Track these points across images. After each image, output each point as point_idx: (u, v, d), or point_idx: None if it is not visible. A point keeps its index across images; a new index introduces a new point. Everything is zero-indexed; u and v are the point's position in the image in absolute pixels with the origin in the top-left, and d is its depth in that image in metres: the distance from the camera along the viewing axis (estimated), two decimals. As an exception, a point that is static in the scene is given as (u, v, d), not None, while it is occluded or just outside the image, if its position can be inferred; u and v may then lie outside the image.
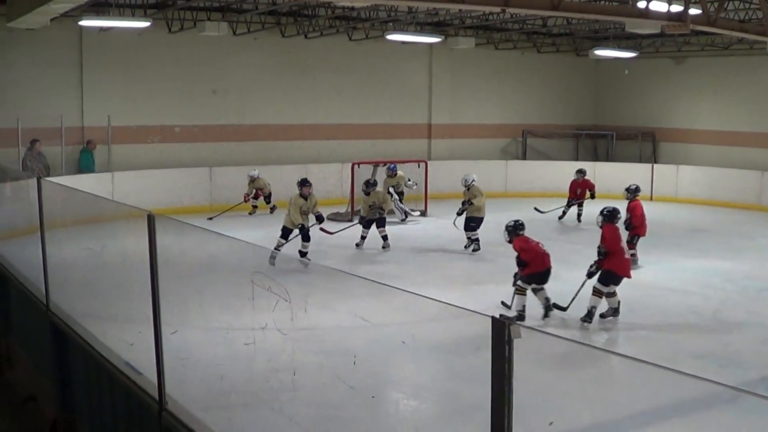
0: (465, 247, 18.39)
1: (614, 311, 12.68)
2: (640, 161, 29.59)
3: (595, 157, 31.66)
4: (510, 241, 13.41)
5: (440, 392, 8.41)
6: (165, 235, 5.96)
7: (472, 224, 18.63)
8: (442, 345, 10.27)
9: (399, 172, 23.03)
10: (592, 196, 22.64)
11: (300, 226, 16.09)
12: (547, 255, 13.05)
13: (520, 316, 12.54)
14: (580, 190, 22.92)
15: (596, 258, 12.89)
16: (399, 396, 9.10)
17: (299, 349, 5.69)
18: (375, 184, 18.86)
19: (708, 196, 26.28)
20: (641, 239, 16.76)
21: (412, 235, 20.36)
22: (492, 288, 14.44)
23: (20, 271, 10.40)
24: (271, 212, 22.76)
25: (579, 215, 22.78)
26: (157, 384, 5.82)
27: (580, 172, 23.31)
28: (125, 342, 7.20)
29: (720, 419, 8.29)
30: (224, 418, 6.61)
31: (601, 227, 13.35)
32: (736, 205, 25.48)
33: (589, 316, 12.40)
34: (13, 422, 9.30)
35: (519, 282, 12.83)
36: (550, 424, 7.47)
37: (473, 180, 19.68)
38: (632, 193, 18.10)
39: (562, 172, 28.30)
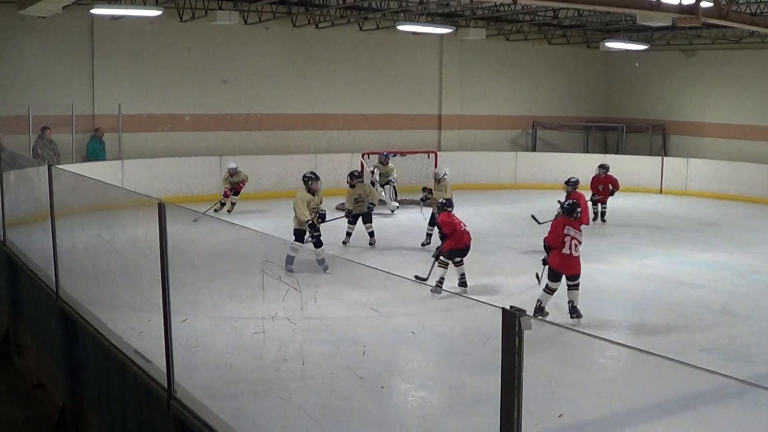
0: (422, 244, 17.60)
1: (571, 310, 12.12)
2: (650, 154, 29.54)
3: (605, 150, 31.60)
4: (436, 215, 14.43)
5: (448, 383, 8.41)
6: (175, 224, 5.97)
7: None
8: (451, 336, 10.28)
9: (390, 164, 22.84)
10: (612, 193, 21.27)
11: (310, 223, 14.83)
12: (467, 233, 13.74)
13: (440, 284, 13.06)
14: (602, 186, 21.39)
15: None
16: (407, 387, 9.10)
17: (309, 339, 5.69)
18: (360, 176, 18.04)
19: (718, 190, 26.22)
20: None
21: (419, 226, 20.32)
22: (501, 279, 14.44)
23: (30, 258, 10.42)
24: (230, 210, 21.28)
25: (603, 214, 21.35)
26: (166, 372, 5.83)
27: (603, 167, 21.70)
28: (135, 330, 7.21)
29: (727, 413, 8.30)
30: (233, 407, 6.62)
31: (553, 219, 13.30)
32: (745, 198, 25.43)
33: (538, 311, 12.06)
34: (22, 409, 9.33)
35: (441, 256, 13.47)
36: (560, 416, 7.48)
37: (445, 174, 18.73)
38: (572, 185, 18.32)
39: (572, 164, 28.32)
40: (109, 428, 7.46)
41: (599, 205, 21.28)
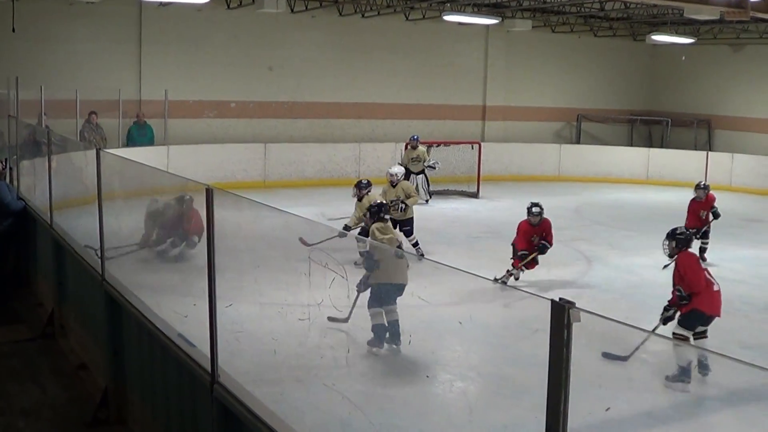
0: (356, 263, 14.12)
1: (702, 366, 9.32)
2: (695, 148, 29.26)
3: (650, 144, 31.39)
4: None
5: (491, 374, 8.41)
6: (222, 209, 6.00)
7: (406, 227, 15.48)
8: (496, 327, 10.27)
9: (420, 147, 22.40)
10: (716, 216, 16.21)
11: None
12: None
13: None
14: (704, 213, 16.15)
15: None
16: (451, 377, 9.10)
17: (354, 327, 5.70)
18: (369, 185, 15.13)
19: (763, 186, 25.95)
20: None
21: (464, 217, 20.32)
22: (544, 272, 14.38)
23: (76, 240, 10.50)
24: None
25: (703, 250, 15.84)
26: (210, 357, 5.86)
27: (703, 188, 16.37)
28: (179, 314, 7.26)
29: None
30: (276, 393, 6.65)
31: (671, 255, 10.26)
32: (791, 195, 25.17)
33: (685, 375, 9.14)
34: (65, 389, 9.41)
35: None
36: (607, 410, 7.46)
37: (403, 175, 16.27)
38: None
39: (616, 157, 28.20)
40: (151, 411, 7.52)
41: (700, 239, 15.82)
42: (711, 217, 16.05)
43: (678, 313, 9.59)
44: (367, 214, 11.76)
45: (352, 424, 6.53)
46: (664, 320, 9.64)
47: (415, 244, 15.38)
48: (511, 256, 13.40)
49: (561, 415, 3.35)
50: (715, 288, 9.65)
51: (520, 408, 7.90)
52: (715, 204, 16.20)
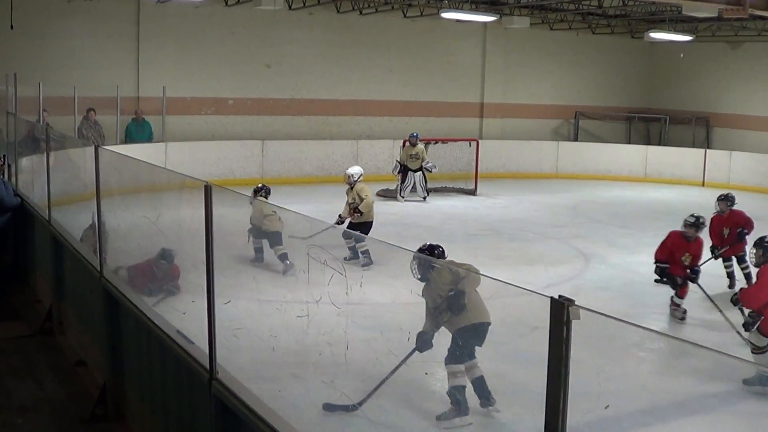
0: (345, 259, 12.59)
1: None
2: (693, 146, 29.26)
3: (648, 141, 31.39)
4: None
5: (489, 372, 8.39)
6: (220, 206, 6.00)
7: (364, 232, 14.25)
8: (495, 324, 10.26)
9: (420, 144, 22.43)
10: (741, 236, 13.52)
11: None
12: None
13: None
14: (728, 230, 13.68)
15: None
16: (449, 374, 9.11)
17: (353, 324, 5.70)
18: (360, 174, 15.10)
19: (761, 183, 25.89)
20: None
21: (461, 214, 20.33)
22: (541, 269, 14.40)
23: (75, 237, 10.51)
24: None
25: (731, 275, 13.95)
26: (208, 353, 5.86)
27: (727, 199, 13.99)
28: (178, 311, 7.26)
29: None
30: (274, 389, 6.66)
31: (757, 265, 9.86)
32: (789, 193, 25.15)
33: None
34: (63, 386, 9.42)
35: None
36: (606, 407, 7.47)
37: (361, 175, 15.27)
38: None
39: (614, 154, 28.21)
40: (149, 407, 7.52)
41: (722, 259, 13.86)
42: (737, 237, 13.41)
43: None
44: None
45: (351, 422, 6.54)
46: (746, 326, 9.42)
47: (364, 252, 13.44)
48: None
49: (560, 413, 3.35)
50: None
51: (518, 405, 7.91)
52: (745, 224, 13.52)
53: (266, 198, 12.93)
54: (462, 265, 8.03)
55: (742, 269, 13.62)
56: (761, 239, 9.83)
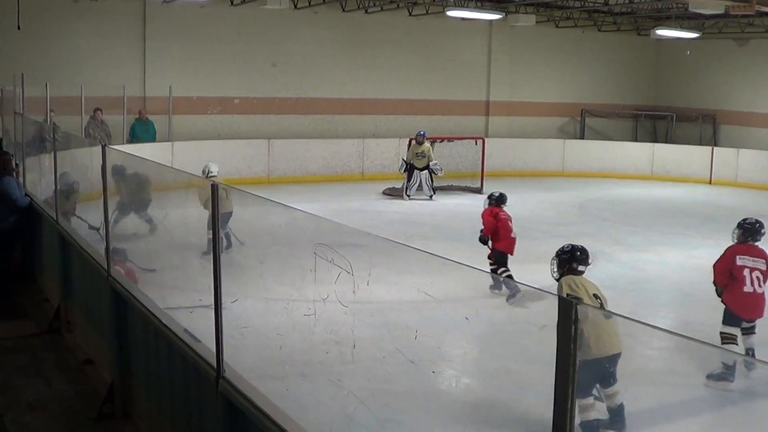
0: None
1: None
2: (700, 144, 29.24)
3: (654, 139, 31.36)
4: None
5: (496, 370, 8.40)
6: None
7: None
8: (503, 323, 10.27)
9: (426, 144, 22.43)
10: None
11: None
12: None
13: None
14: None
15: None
16: (456, 373, 9.11)
17: (360, 322, 5.69)
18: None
19: (769, 181, 25.92)
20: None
21: (467, 213, 20.30)
22: (548, 268, 14.36)
23: (82, 236, 10.53)
24: None
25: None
26: (215, 352, 5.87)
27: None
28: (185, 309, 7.27)
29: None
30: (281, 388, 6.66)
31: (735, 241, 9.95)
32: (797, 190, 25.12)
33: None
34: (71, 384, 9.43)
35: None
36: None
37: (217, 172, 14.96)
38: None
39: (620, 152, 28.19)
40: (157, 405, 7.53)
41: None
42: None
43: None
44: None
45: (357, 420, 6.54)
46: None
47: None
48: None
49: (568, 412, 3.35)
50: (746, 289, 9.28)
51: (526, 404, 7.91)
52: None
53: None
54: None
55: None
56: (743, 220, 9.97)
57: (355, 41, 26.42)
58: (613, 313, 3.23)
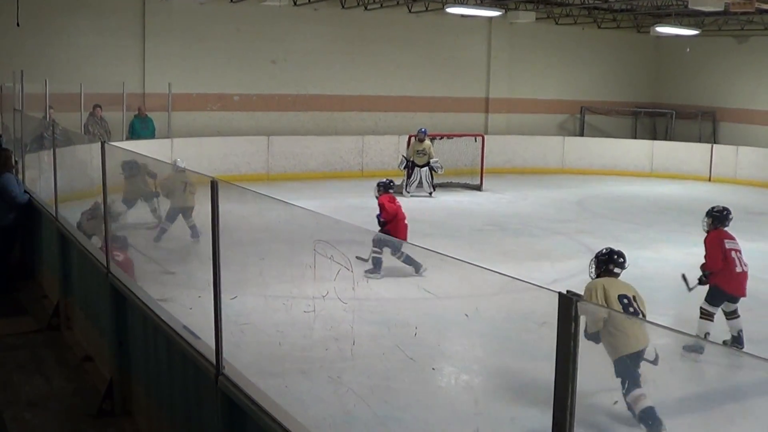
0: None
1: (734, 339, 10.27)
2: (700, 141, 29.24)
3: (654, 136, 31.37)
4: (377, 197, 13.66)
5: (496, 367, 8.41)
6: (226, 202, 6.00)
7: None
8: (502, 320, 10.27)
9: (427, 141, 22.46)
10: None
11: None
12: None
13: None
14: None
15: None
16: (456, 369, 9.11)
17: (359, 319, 5.69)
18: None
19: (768, 178, 25.93)
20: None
21: (467, 210, 20.32)
22: (548, 265, 14.39)
23: (81, 233, 10.52)
24: None
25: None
26: (214, 348, 5.86)
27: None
28: (184, 306, 7.27)
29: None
30: (281, 384, 6.66)
31: (706, 231, 10.56)
32: (796, 188, 25.12)
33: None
34: (70, 381, 9.43)
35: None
36: (615, 403, 7.45)
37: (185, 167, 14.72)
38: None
39: (620, 149, 28.19)
40: (156, 402, 7.53)
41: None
42: None
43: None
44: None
45: (357, 417, 6.55)
46: (699, 282, 10.37)
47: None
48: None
49: (568, 409, 3.35)
50: (737, 269, 10.03)
51: (525, 401, 7.91)
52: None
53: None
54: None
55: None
56: (711, 209, 10.61)
57: (355, 38, 26.42)
58: (612, 310, 3.22)
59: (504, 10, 25.62)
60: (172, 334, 6.69)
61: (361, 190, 22.00)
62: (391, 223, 13.40)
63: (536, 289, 3.69)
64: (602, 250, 8.62)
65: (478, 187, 23.47)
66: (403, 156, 22.41)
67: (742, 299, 10.42)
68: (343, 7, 25.58)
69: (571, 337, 3.26)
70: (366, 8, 25.83)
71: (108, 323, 8.61)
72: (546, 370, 3.46)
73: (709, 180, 26.89)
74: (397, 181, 22.35)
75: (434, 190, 22.11)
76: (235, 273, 6.76)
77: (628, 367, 7.37)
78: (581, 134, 30.80)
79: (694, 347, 9.63)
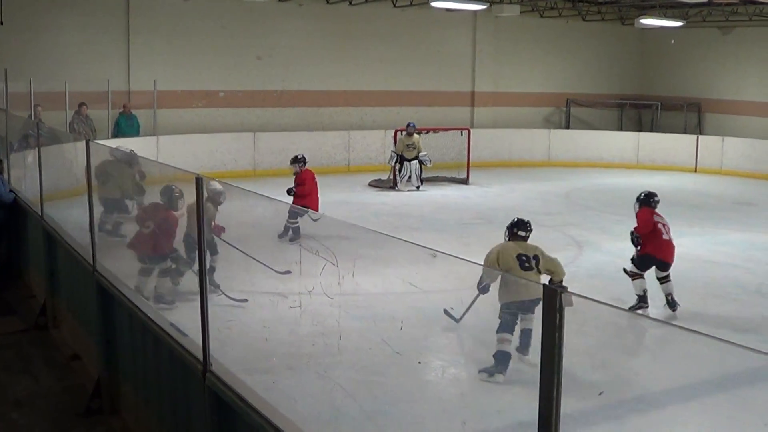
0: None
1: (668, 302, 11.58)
2: (685, 132, 29.29)
3: (640, 128, 31.40)
4: None
5: (484, 360, 8.41)
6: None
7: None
8: (488, 312, 10.27)
9: (416, 135, 22.48)
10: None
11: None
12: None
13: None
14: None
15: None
16: (443, 363, 9.12)
17: (345, 314, 5.70)
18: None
19: (753, 169, 25.96)
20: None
21: (453, 203, 20.32)
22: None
23: (67, 232, 10.50)
24: None
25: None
26: (201, 345, 5.86)
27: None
28: (171, 303, 7.26)
29: (763, 395, 8.23)
30: (268, 381, 6.66)
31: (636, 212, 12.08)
32: (782, 178, 25.19)
33: (642, 301, 11.58)
34: (58, 380, 9.42)
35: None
36: (600, 394, 7.48)
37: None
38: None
39: (606, 142, 28.25)
40: (144, 400, 7.53)
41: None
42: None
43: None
44: None
45: (345, 412, 6.55)
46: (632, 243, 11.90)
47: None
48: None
49: (554, 400, 3.36)
50: (664, 237, 11.63)
51: (512, 393, 7.92)
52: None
53: None
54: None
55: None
56: (641, 194, 12.32)
57: (340, 33, 26.36)
58: (601, 303, 3.23)
59: (489, 4, 25.57)
60: (159, 331, 6.69)
61: (348, 185, 22.03)
62: (309, 197, 15.25)
63: (522, 281, 3.70)
64: (513, 219, 10.01)
65: (464, 181, 23.48)
66: (392, 151, 22.40)
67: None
68: (327, 2, 25.55)
69: (555, 328, 3.27)
70: (350, 3, 25.79)
71: (95, 322, 8.60)
72: (533, 362, 3.47)
73: (695, 171, 26.95)
74: (384, 176, 22.43)
75: (422, 183, 22.11)
76: (222, 270, 6.77)
77: (505, 314, 8.59)
78: (567, 127, 30.81)
79: (638, 305, 11.58)
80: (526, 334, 8.75)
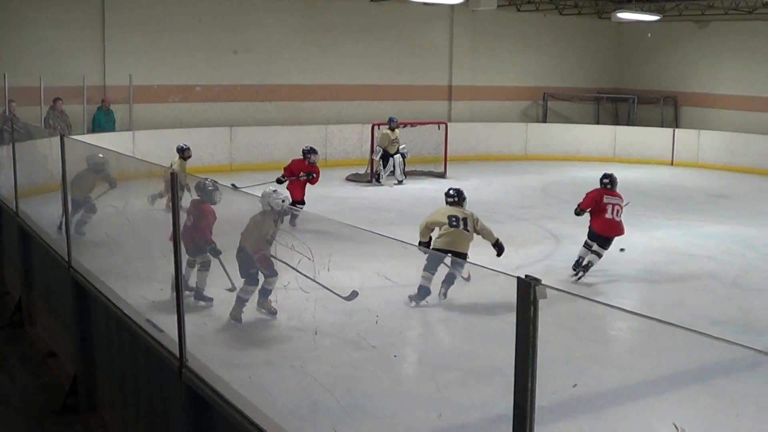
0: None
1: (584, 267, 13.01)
2: (662, 125, 29.39)
3: (616, 121, 31.48)
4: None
5: (460, 353, 8.42)
6: (188, 194, 5.97)
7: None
8: (464, 305, 10.29)
9: (397, 130, 22.54)
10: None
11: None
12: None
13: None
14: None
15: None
16: (419, 356, 9.12)
17: (321, 308, 5.69)
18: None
19: (729, 162, 26.10)
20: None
21: (431, 197, 20.31)
22: (512, 250, 14.37)
23: (43, 228, 10.45)
24: None
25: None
26: (178, 341, 5.84)
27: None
28: (147, 299, 7.23)
29: (738, 385, 8.28)
30: (245, 376, 6.64)
31: None
32: (757, 170, 25.30)
33: (580, 267, 12.99)
34: (34, 377, 9.38)
35: None
36: (574, 386, 7.49)
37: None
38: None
39: (583, 135, 28.33)
40: (120, 396, 7.50)
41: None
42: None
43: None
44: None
45: (322, 406, 6.54)
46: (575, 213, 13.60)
47: None
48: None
49: (529, 393, 3.36)
50: (608, 216, 12.92)
51: (489, 386, 7.93)
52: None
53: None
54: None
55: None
56: (603, 175, 13.67)
57: (318, 27, 26.30)
58: (576, 295, 3.24)
59: (466, -2, 25.61)
60: (135, 328, 6.66)
61: (325, 180, 21.96)
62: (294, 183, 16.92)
63: (496, 274, 3.70)
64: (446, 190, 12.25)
65: (442, 175, 23.49)
66: (378, 146, 22.37)
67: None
68: (304, -4, 25.54)
69: (530, 321, 3.27)
70: (327, -3, 25.79)
71: (71, 318, 8.57)
72: (510, 355, 3.47)
73: (672, 164, 27.06)
74: (361, 170, 22.44)
75: (405, 177, 22.18)
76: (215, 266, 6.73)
77: (433, 257, 10.33)
78: (544, 120, 30.86)
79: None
80: (448, 278, 10.77)
